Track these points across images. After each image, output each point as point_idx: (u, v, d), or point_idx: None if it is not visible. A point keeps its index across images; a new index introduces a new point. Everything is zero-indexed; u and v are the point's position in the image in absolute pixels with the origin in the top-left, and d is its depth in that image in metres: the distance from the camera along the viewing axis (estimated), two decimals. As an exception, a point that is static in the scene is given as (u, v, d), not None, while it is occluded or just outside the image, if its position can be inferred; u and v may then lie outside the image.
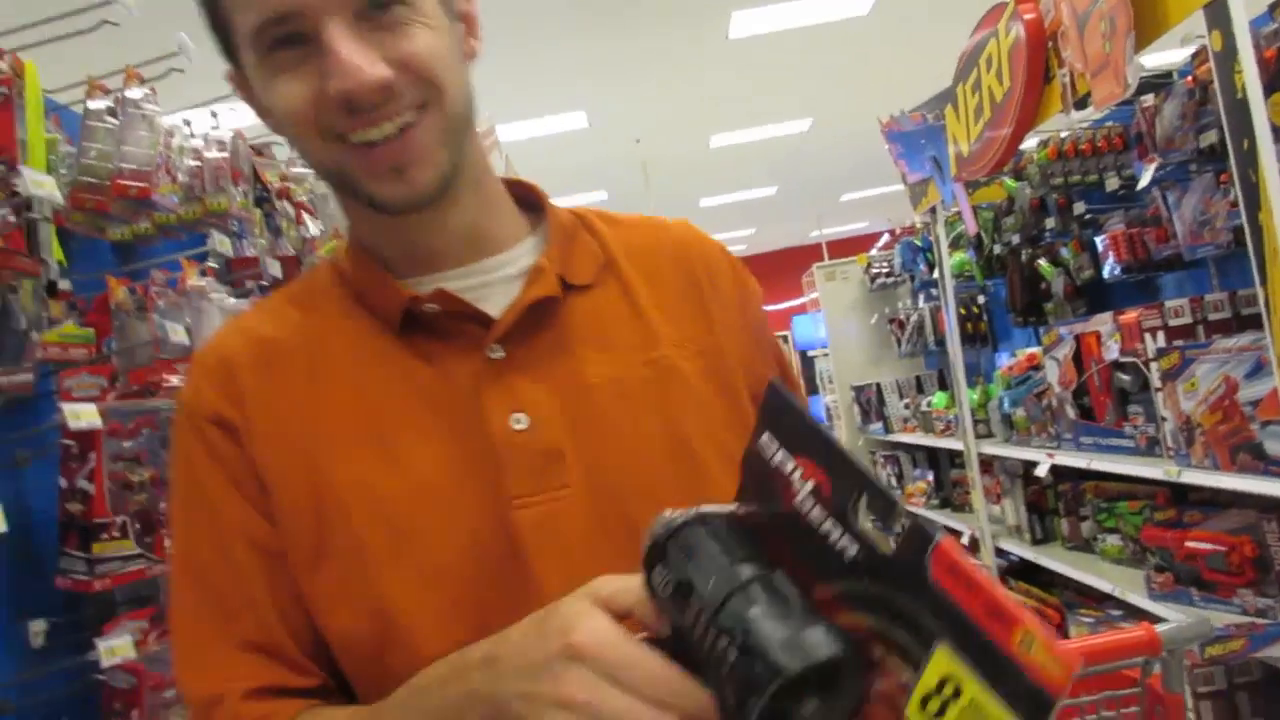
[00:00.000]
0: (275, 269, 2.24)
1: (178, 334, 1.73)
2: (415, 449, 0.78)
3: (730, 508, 0.60)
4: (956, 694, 0.45)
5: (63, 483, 1.58)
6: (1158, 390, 2.55)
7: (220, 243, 2.01)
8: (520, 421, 0.78)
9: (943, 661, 0.46)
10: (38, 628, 1.62)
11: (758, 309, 0.94)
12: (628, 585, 0.59)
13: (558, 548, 0.77)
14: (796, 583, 0.54)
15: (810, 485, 0.53)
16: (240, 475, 0.80)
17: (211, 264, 2.08)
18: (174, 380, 1.74)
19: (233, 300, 1.96)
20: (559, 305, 0.83)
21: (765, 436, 0.57)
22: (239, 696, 0.76)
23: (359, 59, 0.72)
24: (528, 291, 0.82)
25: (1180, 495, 2.85)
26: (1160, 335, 2.66)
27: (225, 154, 2.03)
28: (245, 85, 0.81)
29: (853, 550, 0.51)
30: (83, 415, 1.42)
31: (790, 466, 0.55)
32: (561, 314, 0.83)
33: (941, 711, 0.46)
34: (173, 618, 0.82)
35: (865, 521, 0.51)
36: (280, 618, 0.78)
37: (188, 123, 2.07)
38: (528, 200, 0.92)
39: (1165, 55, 2.84)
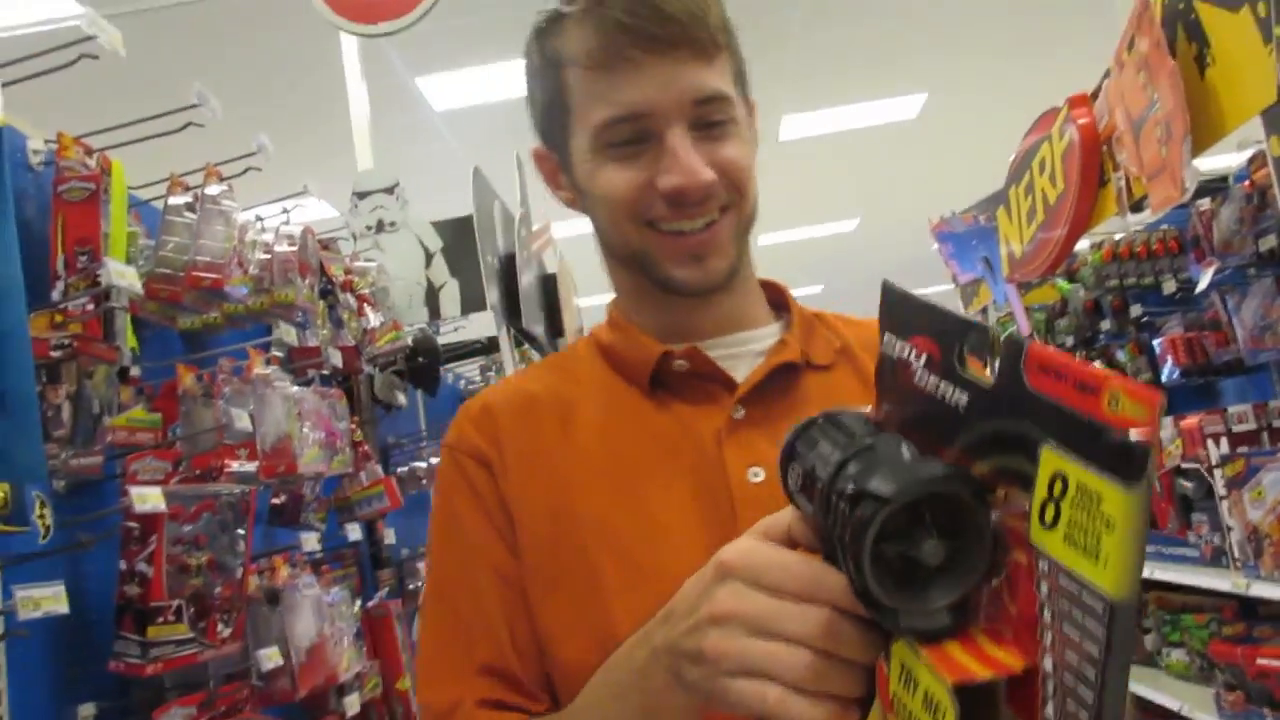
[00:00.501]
0: (336, 358, 2.28)
1: (242, 420, 1.76)
2: (655, 494, 0.84)
3: (860, 408, 0.61)
4: (1065, 489, 0.43)
5: (122, 565, 1.59)
6: (1223, 499, 2.48)
7: (286, 332, 2.06)
8: (758, 475, 0.83)
9: (1049, 461, 0.45)
10: (87, 712, 1.62)
11: None
12: (783, 513, 0.61)
13: None
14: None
15: (924, 358, 0.55)
16: (492, 507, 0.88)
17: (276, 353, 2.12)
18: (235, 465, 1.77)
19: (295, 388, 2.00)
20: (799, 376, 0.90)
21: (886, 336, 0.59)
22: (473, 704, 0.83)
23: (695, 163, 0.83)
24: (773, 358, 0.90)
25: (1249, 609, 2.74)
26: (1224, 441, 2.60)
27: (294, 248, 2.10)
28: (550, 164, 0.95)
29: (964, 398, 0.51)
30: (149, 499, 1.45)
31: (907, 351, 0.57)
32: (800, 385, 0.90)
33: (1056, 517, 0.44)
34: (420, 635, 0.91)
35: (971, 368, 0.52)
36: (514, 644, 0.85)
37: (260, 218, 2.15)
38: (774, 299, 1.00)
39: (1221, 159, 2.85)
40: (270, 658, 1.74)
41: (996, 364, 0.49)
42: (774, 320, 0.97)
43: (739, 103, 0.87)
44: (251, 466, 1.78)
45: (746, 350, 0.92)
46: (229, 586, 1.65)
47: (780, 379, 0.88)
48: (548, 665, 0.84)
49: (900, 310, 0.58)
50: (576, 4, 0.85)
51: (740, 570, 0.59)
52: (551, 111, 0.90)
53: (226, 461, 1.73)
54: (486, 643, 0.85)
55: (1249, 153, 2.64)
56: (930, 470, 0.50)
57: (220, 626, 1.61)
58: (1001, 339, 0.49)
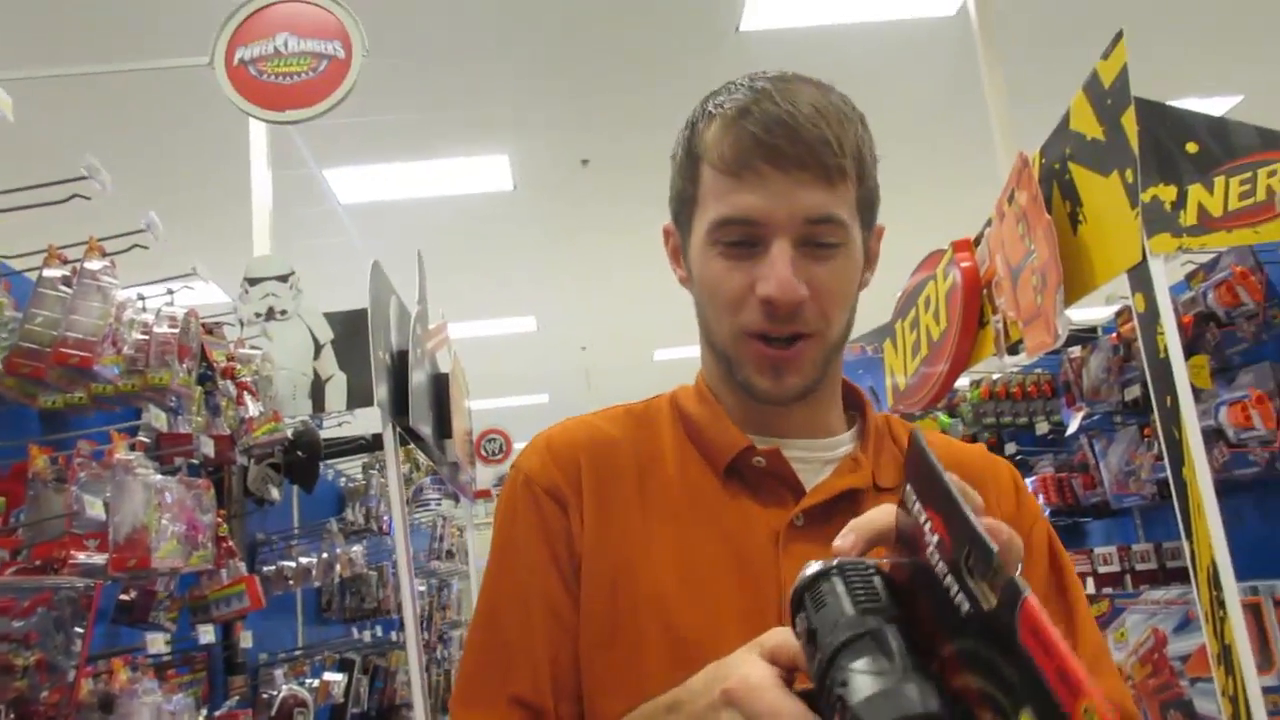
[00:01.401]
0: (208, 447, 2.18)
1: (95, 508, 1.65)
2: (711, 581, 0.87)
3: (873, 560, 0.62)
4: None
5: (-61, 662, 1.45)
6: (1089, 637, 2.54)
7: (155, 417, 1.97)
8: None
9: None
10: (-125, 828, 1.45)
11: (1031, 526, 0.99)
12: (793, 639, 0.64)
13: None
14: (923, 636, 0.55)
15: (936, 539, 0.55)
16: (559, 546, 0.91)
17: (143, 438, 2.02)
18: (81, 557, 1.65)
19: (157, 477, 1.89)
20: (864, 497, 0.91)
21: (908, 487, 0.60)
22: None
23: (790, 278, 0.86)
24: (844, 478, 0.92)
25: (1112, 748, 2.77)
26: (1090, 581, 2.68)
27: (175, 330, 2.02)
28: (674, 243, 1.00)
29: (966, 605, 0.52)
30: (-23, 590, 1.33)
31: (923, 519, 0.57)
32: (862, 505, 0.89)
33: None
34: (464, 653, 0.94)
35: (977, 576, 0.52)
36: (553, 680, 0.88)
37: (142, 297, 2.07)
38: (850, 400, 1.03)
39: (1091, 311, 3.02)
40: (97, 771, 1.60)
41: (995, 595, 0.50)
42: (848, 427, 1.00)
43: (854, 229, 0.91)
44: (100, 559, 1.66)
45: (819, 457, 0.96)
46: (58, 690, 1.51)
47: (846, 496, 0.91)
48: (587, 713, 0.88)
49: (922, 472, 0.59)
50: (727, 109, 0.91)
51: (741, 705, 0.64)
52: (684, 198, 0.96)
53: (72, 552, 1.61)
54: (525, 673, 0.88)
55: (1116, 307, 2.81)
56: (920, 703, 0.52)
57: (45, 734, 1.48)
58: (1001, 570, 0.50)
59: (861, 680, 0.53)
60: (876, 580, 0.60)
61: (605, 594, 0.89)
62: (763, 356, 0.90)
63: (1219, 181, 2.13)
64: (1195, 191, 2.12)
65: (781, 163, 0.87)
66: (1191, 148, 2.16)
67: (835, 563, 0.62)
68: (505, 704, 0.87)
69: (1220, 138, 2.18)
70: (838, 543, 0.66)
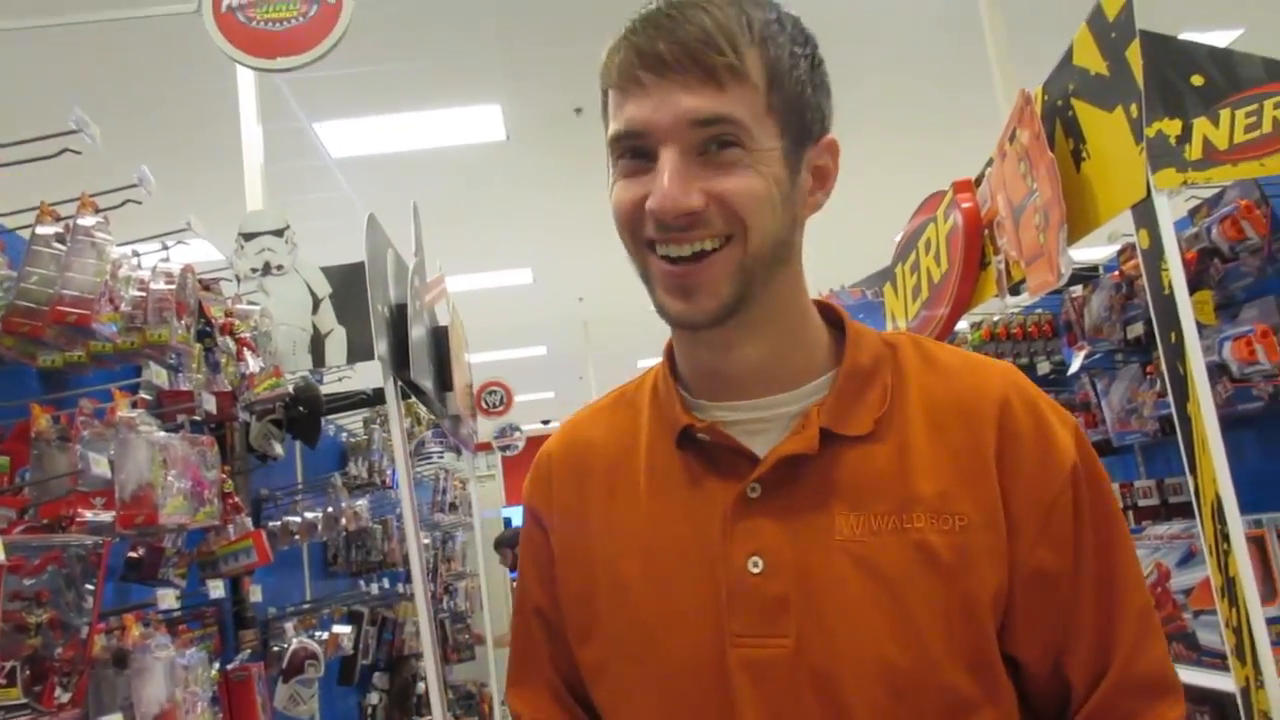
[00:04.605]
0: (210, 404, 2.17)
1: (100, 465, 1.65)
2: (669, 565, 0.87)
3: None
4: None
5: (-48, 621, 1.46)
6: (1091, 573, 2.56)
7: (156, 374, 1.96)
8: (757, 565, 0.83)
9: None
10: (-103, 786, 1.46)
11: (1053, 502, 0.84)
12: None
13: (763, 695, 0.81)
14: None
15: None
16: (540, 556, 0.99)
17: (144, 395, 2.01)
18: (89, 515, 1.65)
19: (161, 433, 1.89)
20: (818, 459, 0.85)
21: None
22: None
23: (676, 187, 0.80)
24: (786, 444, 0.85)
25: (1114, 682, 2.81)
26: (1093, 518, 2.69)
27: (172, 286, 2.00)
28: None
29: None
30: (-14, 549, 1.33)
31: None
32: (821, 466, 0.85)
33: None
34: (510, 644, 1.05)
35: None
36: (556, 672, 0.99)
37: (136, 254, 2.05)
38: (835, 324, 0.94)
39: (1091, 251, 3.00)
40: (113, 725, 1.61)
41: None
42: (827, 369, 0.90)
43: (760, 133, 0.81)
44: (108, 516, 1.66)
45: (779, 414, 0.88)
46: (72, 647, 1.52)
47: (796, 462, 0.84)
48: (590, 695, 0.95)
49: None
50: (622, 33, 0.86)
51: None
52: (608, 139, 0.89)
53: (79, 510, 1.61)
54: (537, 667, 1.00)
55: (1118, 245, 2.79)
56: None
57: (59, 691, 1.49)
58: None
59: None
60: None
61: (579, 593, 0.93)
62: (668, 275, 0.83)
63: (1224, 114, 2.10)
64: (1200, 125, 2.09)
65: (659, 68, 0.80)
66: (1197, 80, 2.13)
67: None
68: (540, 686, 1.00)
69: (1226, 70, 2.15)
70: None
